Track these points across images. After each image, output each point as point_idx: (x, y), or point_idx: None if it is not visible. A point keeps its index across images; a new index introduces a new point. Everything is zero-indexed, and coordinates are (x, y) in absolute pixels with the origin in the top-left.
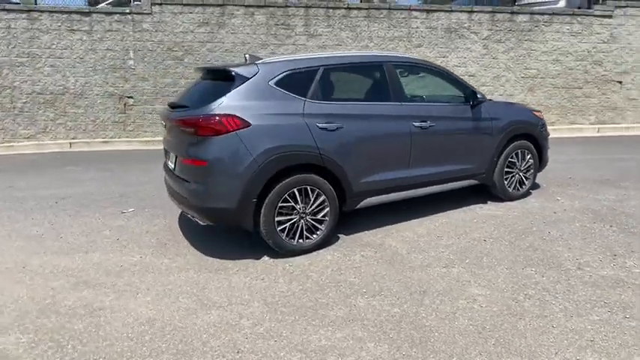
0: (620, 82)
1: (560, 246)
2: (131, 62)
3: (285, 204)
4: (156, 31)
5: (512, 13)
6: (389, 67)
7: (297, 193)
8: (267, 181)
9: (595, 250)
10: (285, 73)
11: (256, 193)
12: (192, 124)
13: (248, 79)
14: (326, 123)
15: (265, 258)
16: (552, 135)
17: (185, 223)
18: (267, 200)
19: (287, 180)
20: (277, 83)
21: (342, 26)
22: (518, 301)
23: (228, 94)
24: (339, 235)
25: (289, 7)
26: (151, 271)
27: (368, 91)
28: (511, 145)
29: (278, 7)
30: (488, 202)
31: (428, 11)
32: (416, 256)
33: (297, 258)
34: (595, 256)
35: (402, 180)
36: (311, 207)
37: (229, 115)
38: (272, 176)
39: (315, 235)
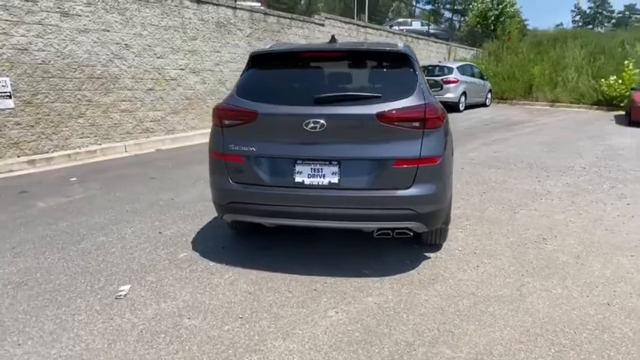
0: None
1: (515, 183)
2: None
3: None
4: None
5: (266, 14)
6: None
7: None
8: None
9: (528, 178)
10: None
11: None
12: (416, 117)
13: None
14: None
15: (436, 254)
16: None
17: (254, 264)
18: None
19: None
20: None
21: (108, 7)
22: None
23: (417, 81)
24: None
25: None
26: (378, 336)
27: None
28: None
29: None
30: None
31: (198, 2)
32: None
33: (447, 245)
34: (534, 181)
35: None
36: None
37: (436, 103)
38: None
39: None
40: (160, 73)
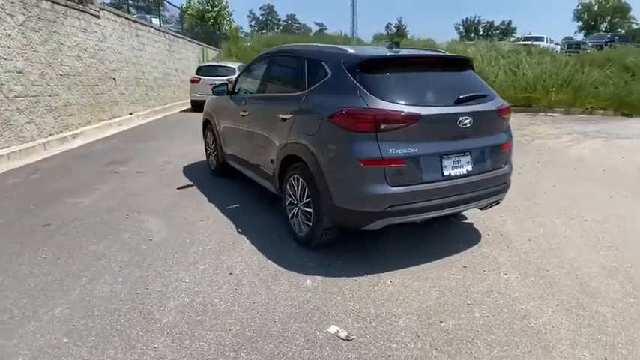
0: (115, 79)
1: None
2: None
3: None
4: None
5: None
6: None
7: None
8: None
9: None
10: None
11: None
12: (509, 111)
13: None
14: None
15: (472, 220)
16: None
17: (373, 268)
18: None
19: None
20: None
21: None
22: None
23: (485, 83)
24: None
25: None
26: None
27: None
28: None
29: None
30: None
31: None
32: None
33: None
34: None
35: None
36: None
37: None
38: None
39: None
40: None
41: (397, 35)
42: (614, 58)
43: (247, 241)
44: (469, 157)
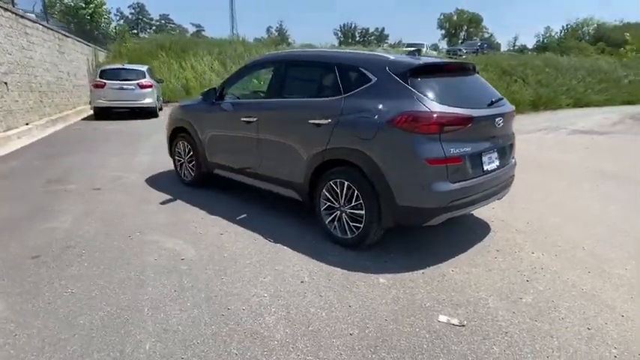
0: (6, 84)
1: None
2: None
3: None
4: None
5: None
6: None
7: None
8: None
9: None
10: None
11: None
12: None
13: None
14: None
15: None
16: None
17: (419, 264)
18: None
19: None
20: None
21: None
22: None
23: None
24: None
25: None
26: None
27: None
28: None
29: None
30: None
31: None
32: None
33: None
34: None
35: None
36: None
37: None
38: None
39: None
40: None
41: (279, 38)
42: (492, 63)
43: (288, 248)
44: (496, 153)
